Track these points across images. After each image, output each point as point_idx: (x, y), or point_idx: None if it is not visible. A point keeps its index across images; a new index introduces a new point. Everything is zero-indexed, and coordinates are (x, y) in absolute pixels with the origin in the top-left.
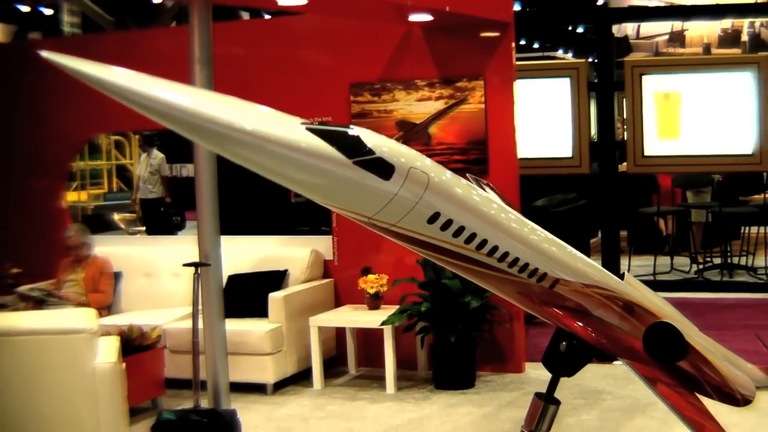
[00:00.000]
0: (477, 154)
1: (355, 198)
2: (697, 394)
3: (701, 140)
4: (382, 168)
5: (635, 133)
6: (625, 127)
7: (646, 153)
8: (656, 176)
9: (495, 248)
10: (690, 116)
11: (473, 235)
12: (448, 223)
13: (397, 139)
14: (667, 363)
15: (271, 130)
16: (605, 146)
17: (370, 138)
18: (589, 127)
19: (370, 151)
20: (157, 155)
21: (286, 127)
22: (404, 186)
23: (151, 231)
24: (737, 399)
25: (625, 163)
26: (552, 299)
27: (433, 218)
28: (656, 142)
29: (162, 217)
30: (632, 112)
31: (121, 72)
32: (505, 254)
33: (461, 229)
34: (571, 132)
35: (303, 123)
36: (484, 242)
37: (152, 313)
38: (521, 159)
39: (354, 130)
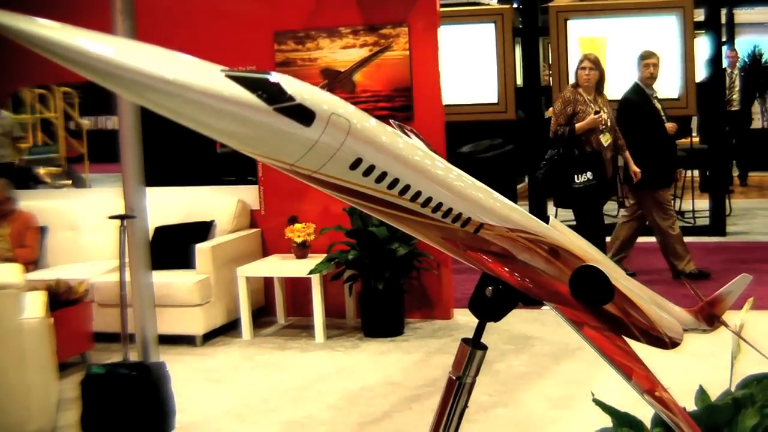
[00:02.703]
0: (402, 101)
1: (277, 145)
2: (624, 337)
3: (627, 84)
4: (303, 114)
5: (560, 78)
6: (550, 72)
7: None
8: None
9: (418, 193)
10: (615, 60)
11: (396, 181)
12: (371, 169)
13: (322, 87)
14: (594, 306)
15: (191, 78)
16: (531, 92)
17: (291, 84)
18: (515, 73)
19: (291, 98)
20: (7, 115)
21: (207, 76)
22: (325, 132)
23: None
24: (665, 342)
25: (551, 109)
26: (477, 244)
27: (355, 164)
28: None
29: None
30: (557, 57)
31: (42, 23)
32: (429, 199)
33: (384, 175)
34: (496, 78)
35: (223, 71)
36: (407, 187)
37: (79, 267)
38: (447, 105)
39: (274, 77)
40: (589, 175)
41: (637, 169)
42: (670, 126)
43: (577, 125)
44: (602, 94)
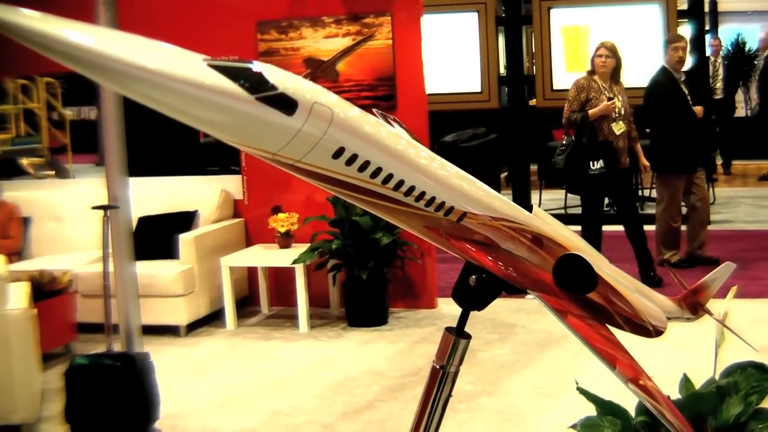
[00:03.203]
0: (385, 91)
1: (259, 134)
2: (608, 325)
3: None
4: (286, 103)
5: (544, 67)
6: (533, 61)
7: (555, 87)
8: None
9: (401, 182)
10: None
11: (379, 170)
12: (354, 158)
13: (305, 77)
14: (577, 295)
15: (174, 68)
16: (514, 80)
17: (273, 74)
18: (498, 62)
19: (273, 87)
20: None
21: (189, 65)
22: (308, 121)
23: None
24: (649, 330)
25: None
26: (460, 233)
27: (338, 153)
28: (565, 76)
29: None
30: (540, 46)
31: (24, 13)
32: (412, 188)
33: (366, 164)
34: (479, 67)
35: (205, 60)
36: (390, 177)
37: (62, 258)
38: (430, 94)
39: (257, 66)
40: (601, 162)
41: (647, 163)
42: (698, 109)
43: (590, 111)
44: (618, 83)
